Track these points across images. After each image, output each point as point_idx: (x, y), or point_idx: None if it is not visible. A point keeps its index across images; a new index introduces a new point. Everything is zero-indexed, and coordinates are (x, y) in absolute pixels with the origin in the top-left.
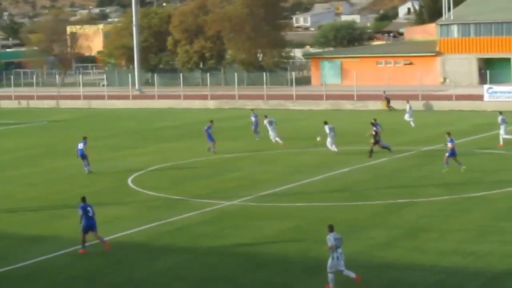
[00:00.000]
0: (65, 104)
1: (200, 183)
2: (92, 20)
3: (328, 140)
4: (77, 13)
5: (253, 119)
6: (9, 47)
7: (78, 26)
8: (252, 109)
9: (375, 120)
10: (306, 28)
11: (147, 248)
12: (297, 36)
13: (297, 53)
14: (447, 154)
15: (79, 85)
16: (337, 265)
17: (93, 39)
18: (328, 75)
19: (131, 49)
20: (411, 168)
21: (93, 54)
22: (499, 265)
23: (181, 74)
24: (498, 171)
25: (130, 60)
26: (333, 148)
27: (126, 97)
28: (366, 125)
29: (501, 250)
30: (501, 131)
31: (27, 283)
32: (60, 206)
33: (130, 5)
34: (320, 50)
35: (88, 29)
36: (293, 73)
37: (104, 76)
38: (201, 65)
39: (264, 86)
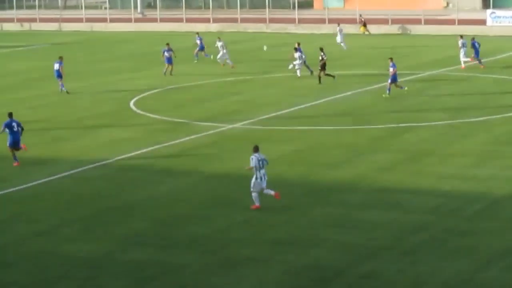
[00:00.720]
0: (67, 27)
1: (202, 106)
2: None
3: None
4: None
5: (198, 42)
6: None
7: None
8: (197, 33)
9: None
10: None
11: (149, 170)
12: None
13: None
14: (389, 80)
15: (82, 8)
16: (260, 184)
17: None
18: None
19: None
20: (413, 93)
21: None
22: (499, 190)
23: None
24: (499, 96)
25: None
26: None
27: (128, 20)
28: (368, 49)
29: (502, 174)
30: (461, 55)
31: (29, 205)
32: (61, 129)
33: None
34: None
35: None
36: None
37: None
38: None
39: (267, 9)
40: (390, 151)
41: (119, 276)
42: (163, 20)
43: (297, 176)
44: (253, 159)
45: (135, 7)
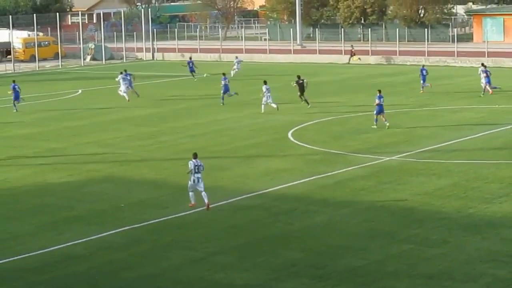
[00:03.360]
0: (227, 57)
1: (359, 137)
2: None
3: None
4: None
5: (223, 82)
6: (173, 0)
7: None
8: (223, 73)
9: (298, 77)
10: None
11: (306, 201)
12: None
13: (459, 9)
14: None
15: (242, 39)
16: (195, 186)
17: None
18: (490, 32)
19: (293, 3)
20: None
21: (255, 8)
22: None
23: (342, 29)
24: None
25: (292, 14)
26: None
27: (287, 51)
28: None
29: None
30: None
31: (187, 232)
32: (219, 158)
33: None
34: (483, 7)
35: None
36: (455, 30)
37: (266, 30)
38: (362, 21)
39: (426, 42)
40: None
41: None
42: (322, 51)
43: (454, 210)
44: (191, 164)
45: (295, 38)
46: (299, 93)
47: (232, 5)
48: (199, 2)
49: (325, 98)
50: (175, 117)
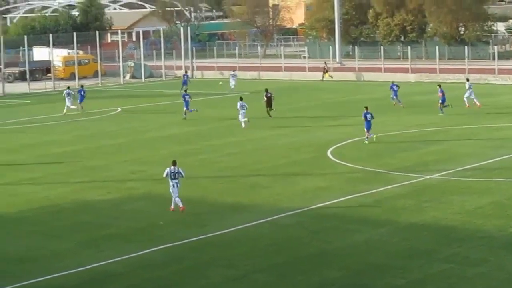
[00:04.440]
0: (266, 75)
1: (399, 156)
2: None
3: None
4: None
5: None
6: (212, 18)
7: None
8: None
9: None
10: (510, 1)
11: (345, 219)
12: (500, 9)
13: (500, 27)
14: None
15: (281, 57)
16: (173, 192)
17: (295, 12)
18: None
19: (333, 21)
20: None
21: (294, 26)
22: None
23: (381, 47)
24: None
25: (331, 32)
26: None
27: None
28: None
29: None
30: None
31: (227, 250)
32: (258, 175)
33: None
34: None
35: (290, 1)
36: (496, 47)
37: (305, 48)
38: (402, 38)
39: (466, 60)
40: None
41: None
42: (361, 69)
43: (495, 229)
44: (166, 170)
45: (334, 56)
46: (267, 108)
47: (271, 23)
48: (238, 20)
49: None
50: (214, 135)
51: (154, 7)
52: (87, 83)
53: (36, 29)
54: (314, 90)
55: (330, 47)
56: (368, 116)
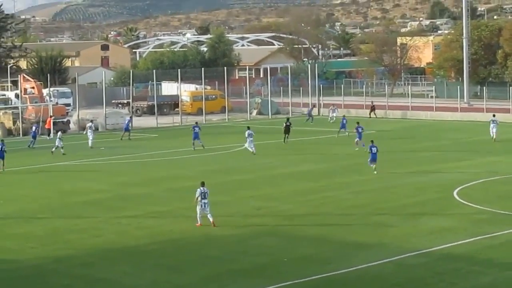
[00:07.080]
0: (393, 114)
1: None
2: (422, 31)
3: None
4: (408, 25)
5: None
6: (340, 56)
7: (408, 38)
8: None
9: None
10: None
11: (470, 261)
12: None
13: None
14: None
15: (408, 96)
16: (204, 210)
17: (423, 51)
18: None
19: (461, 61)
20: None
21: (422, 65)
22: None
23: (510, 88)
24: None
25: (459, 72)
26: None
27: (454, 109)
28: None
29: None
30: None
31: None
32: (384, 214)
33: (460, 17)
34: None
35: (419, 40)
36: None
37: (433, 87)
38: None
39: None
40: None
41: None
42: (489, 110)
43: None
44: (198, 191)
45: (462, 96)
46: (284, 134)
47: (399, 62)
48: (366, 58)
49: (493, 157)
50: (340, 173)
51: (282, 44)
52: (213, 118)
53: (164, 64)
54: (442, 130)
55: (458, 87)
56: (374, 149)
